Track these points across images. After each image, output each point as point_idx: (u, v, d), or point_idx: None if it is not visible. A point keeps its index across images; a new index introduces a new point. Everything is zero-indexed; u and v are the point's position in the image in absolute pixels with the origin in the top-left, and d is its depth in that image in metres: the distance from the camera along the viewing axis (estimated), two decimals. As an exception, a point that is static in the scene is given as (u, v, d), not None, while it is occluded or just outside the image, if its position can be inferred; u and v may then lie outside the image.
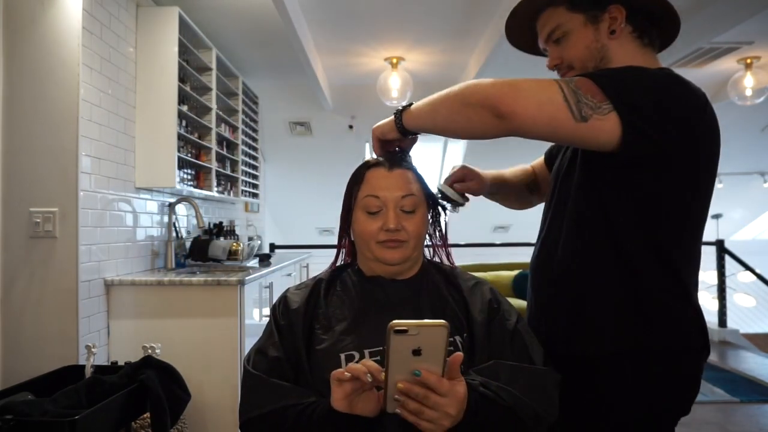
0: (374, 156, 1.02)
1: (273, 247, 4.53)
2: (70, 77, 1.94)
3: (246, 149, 3.75)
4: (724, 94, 4.22)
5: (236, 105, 3.50)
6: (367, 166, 0.97)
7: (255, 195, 4.10)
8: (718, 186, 6.05)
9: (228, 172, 3.36)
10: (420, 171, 0.99)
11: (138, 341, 1.99)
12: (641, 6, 0.91)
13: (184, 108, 2.63)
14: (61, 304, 1.94)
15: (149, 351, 1.83)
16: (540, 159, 1.24)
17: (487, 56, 3.25)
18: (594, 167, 0.89)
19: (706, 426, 2.74)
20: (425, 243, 1.00)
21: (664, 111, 0.79)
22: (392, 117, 0.96)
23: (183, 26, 2.56)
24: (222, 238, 3.13)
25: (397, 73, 3.72)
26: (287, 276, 3.21)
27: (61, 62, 1.94)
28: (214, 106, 2.97)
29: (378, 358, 0.83)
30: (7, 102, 1.94)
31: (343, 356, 0.84)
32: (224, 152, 3.27)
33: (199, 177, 2.96)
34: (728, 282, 4.79)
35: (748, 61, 3.72)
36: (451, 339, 0.87)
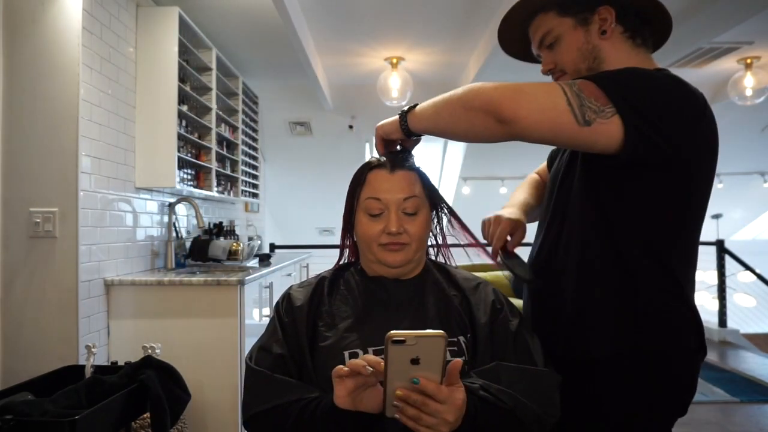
0: (375, 155, 1.01)
1: (273, 247, 4.53)
2: (70, 77, 1.94)
3: (246, 149, 3.75)
4: (724, 94, 4.21)
5: (236, 105, 3.50)
6: (369, 167, 0.96)
7: (255, 195, 4.10)
8: (718, 186, 6.07)
9: (228, 172, 3.36)
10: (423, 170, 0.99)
11: (138, 341, 1.99)
12: (631, 5, 0.91)
13: (184, 108, 2.63)
14: (61, 304, 1.94)
15: (149, 351, 1.83)
16: (543, 165, 1.24)
17: (486, 56, 3.25)
18: (594, 168, 0.89)
19: (706, 426, 2.74)
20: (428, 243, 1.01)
21: (666, 113, 0.79)
22: (396, 117, 0.96)
23: (183, 26, 2.56)
24: (222, 238, 3.13)
25: (397, 73, 3.72)
26: (287, 276, 3.21)
27: (61, 62, 1.94)
28: (214, 106, 2.97)
29: (382, 356, 0.83)
30: (7, 102, 1.94)
31: (347, 354, 0.84)
32: (224, 152, 3.27)
33: (199, 177, 2.96)
34: (728, 282, 4.79)
35: (748, 61, 3.72)
36: (454, 339, 0.87)
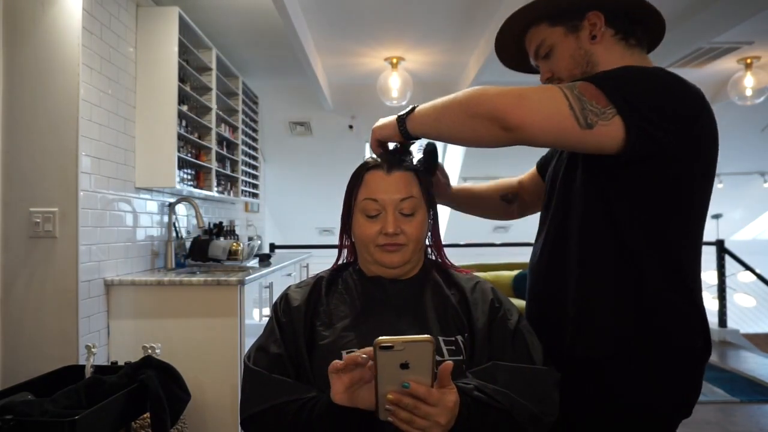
0: (373, 155, 1.01)
1: (273, 247, 4.53)
2: (70, 77, 1.94)
3: (246, 149, 3.76)
4: (724, 94, 4.21)
5: (236, 105, 3.50)
6: (366, 167, 0.96)
7: (255, 195, 4.10)
8: (718, 186, 6.06)
9: (228, 172, 3.36)
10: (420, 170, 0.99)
11: (138, 341, 1.99)
12: (619, 8, 0.92)
13: (184, 108, 2.63)
14: (61, 304, 1.94)
15: (149, 351, 1.83)
16: (530, 171, 1.26)
17: (487, 57, 3.25)
18: (597, 167, 0.89)
19: (706, 426, 2.74)
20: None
21: (665, 111, 0.80)
22: (393, 119, 0.95)
23: (183, 26, 2.56)
24: (222, 238, 3.13)
25: (397, 73, 3.72)
26: (287, 276, 3.22)
27: (61, 62, 1.94)
28: (214, 106, 2.97)
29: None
30: (7, 102, 1.94)
31: (344, 353, 0.84)
32: (224, 152, 3.27)
33: (199, 177, 2.96)
34: (728, 282, 4.79)
35: (748, 61, 3.72)
36: (452, 339, 0.87)
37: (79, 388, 1.58)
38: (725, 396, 3.15)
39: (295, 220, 6.25)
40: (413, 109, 0.93)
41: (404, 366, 0.67)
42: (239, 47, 3.29)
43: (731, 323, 4.78)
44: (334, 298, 0.94)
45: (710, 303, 5.04)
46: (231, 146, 3.48)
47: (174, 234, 2.69)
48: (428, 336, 0.67)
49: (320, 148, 5.24)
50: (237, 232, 3.52)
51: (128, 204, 2.37)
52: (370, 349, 0.70)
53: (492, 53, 3.14)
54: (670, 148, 0.80)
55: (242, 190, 3.63)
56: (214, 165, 2.99)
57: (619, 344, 0.87)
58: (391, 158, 0.96)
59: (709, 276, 5.13)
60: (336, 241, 1.05)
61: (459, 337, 0.88)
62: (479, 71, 3.51)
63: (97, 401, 1.51)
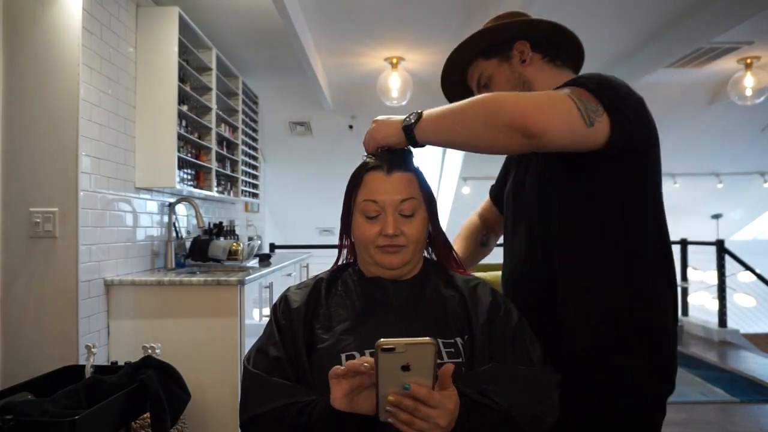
0: (371, 156, 1.00)
1: (273, 247, 4.53)
2: (70, 77, 1.94)
3: (246, 149, 3.76)
4: (724, 94, 4.22)
5: (236, 105, 3.50)
6: (365, 168, 0.95)
7: (255, 195, 4.10)
8: (718, 186, 6.07)
9: (228, 172, 3.36)
10: (421, 170, 0.98)
11: (138, 341, 1.99)
12: (540, 37, 1.06)
13: (184, 108, 2.63)
14: (61, 304, 1.94)
15: (149, 351, 1.83)
16: (486, 203, 1.36)
17: (487, 56, 3.25)
18: (574, 171, 0.94)
19: (706, 426, 2.74)
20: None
21: (634, 111, 0.88)
22: (397, 123, 0.94)
23: (183, 26, 2.56)
24: (222, 238, 3.13)
25: (397, 73, 3.72)
26: (287, 276, 3.22)
27: (61, 62, 1.94)
28: (214, 106, 2.97)
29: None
30: (7, 102, 1.94)
31: (343, 356, 0.84)
32: (224, 152, 3.27)
33: (199, 177, 2.96)
34: (728, 282, 4.79)
35: (748, 61, 3.72)
36: (452, 341, 0.87)
37: (79, 388, 1.58)
38: (725, 396, 3.15)
39: (295, 220, 6.25)
40: (419, 115, 0.93)
41: (405, 368, 0.67)
42: (239, 47, 3.29)
43: (731, 323, 4.77)
44: (334, 300, 0.94)
45: (710, 303, 5.04)
46: (231, 146, 3.48)
47: (174, 234, 2.69)
48: (430, 339, 0.68)
49: (320, 148, 5.24)
50: (237, 232, 3.52)
51: (128, 204, 2.37)
52: (370, 359, 0.70)
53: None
54: (641, 147, 0.90)
55: (242, 190, 3.63)
56: (214, 165, 2.99)
57: (610, 337, 0.91)
58: (392, 158, 0.95)
59: (709, 276, 5.13)
60: (336, 241, 1.04)
61: (458, 339, 0.88)
62: (479, 71, 3.51)
63: (97, 401, 1.51)
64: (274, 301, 0.97)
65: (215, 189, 3.05)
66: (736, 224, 7.53)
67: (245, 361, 0.89)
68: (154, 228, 2.62)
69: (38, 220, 1.93)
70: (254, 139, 4.03)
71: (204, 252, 2.83)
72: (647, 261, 0.93)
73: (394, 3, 2.86)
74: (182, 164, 2.65)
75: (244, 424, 0.84)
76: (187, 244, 2.88)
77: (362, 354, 0.84)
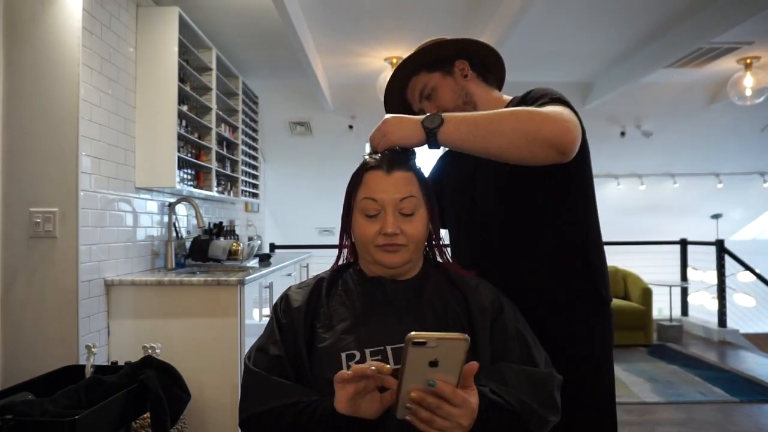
0: (372, 155, 1.00)
1: (273, 247, 4.53)
2: (70, 77, 1.94)
3: (246, 149, 3.76)
4: (724, 94, 4.22)
5: (236, 105, 3.50)
6: (366, 167, 0.95)
7: (255, 195, 4.10)
8: (718, 186, 6.06)
9: (228, 172, 3.36)
10: (422, 169, 0.98)
11: (138, 341, 1.99)
12: (475, 57, 1.19)
13: (184, 108, 2.63)
14: (61, 304, 1.94)
15: (149, 351, 1.83)
16: None
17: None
18: (541, 174, 1.02)
19: (706, 426, 2.74)
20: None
21: (578, 118, 1.00)
22: (416, 124, 0.95)
23: (183, 26, 2.56)
24: (222, 238, 3.13)
25: (397, 73, 3.71)
26: (287, 276, 3.22)
27: (61, 62, 1.94)
28: (214, 106, 2.97)
29: (378, 357, 0.83)
30: (7, 102, 1.94)
31: (344, 355, 0.84)
32: (224, 152, 3.27)
33: (199, 177, 2.96)
34: (728, 282, 4.79)
35: (748, 61, 3.72)
36: None
37: (79, 388, 1.58)
38: (725, 396, 3.15)
39: (295, 220, 6.25)
40: (441, 118, 0.94)
41: (433, 364, 0.65)
42: (239, 47, 3.29)
43: (731, 323, 4.77)
44: (335, 299, 0.94)
45: (710, 303, 5.04)
46: (231, 146, 3.48)
47: (174, 234, 2.69)
48: (464, 334, 0.65)
49: (320, 148, 5.24)
50: (237, 232, 3.52)
51: (128, 204, 2.37)
52: (378, 363, 0.70)
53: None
54: (584, 149, 1.04)
55: (242, 190, 3.63)
56: (214, 165, 2.99)
57: (571, 303, 1.06)
58: (393, 158, 0.95)
59: (708, 276, 5.13)
60: (336, 241, 1.04)
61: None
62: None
63: (97, 401, 1.51)
64: (275, 300, 0.97)
65: (215, 189, 3.05)
66: (736, 224, 7.52)
67: (246, 359, 0.89)
68: (154, 228, 2.62)
69: (38, 220, 1.93)
70: (254, 139, 4.03)
71: (204, 252, 2.83)
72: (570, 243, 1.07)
73: (394, 3, 2.86)
74: (182, 164, 2.65)
75: (243, 423, 0.84)
76: (187, 244, 2.88)
77: (362, 353, 0.84)
